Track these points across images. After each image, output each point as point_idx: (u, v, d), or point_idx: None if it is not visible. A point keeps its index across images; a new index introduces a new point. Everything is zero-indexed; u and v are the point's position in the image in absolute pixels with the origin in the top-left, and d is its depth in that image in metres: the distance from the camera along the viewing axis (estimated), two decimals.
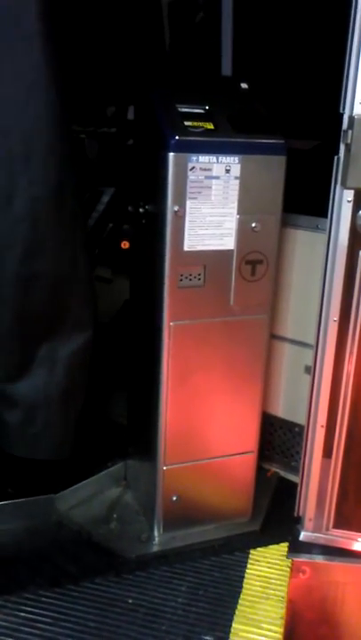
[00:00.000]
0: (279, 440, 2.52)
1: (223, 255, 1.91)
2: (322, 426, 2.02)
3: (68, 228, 1.97)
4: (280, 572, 2.06)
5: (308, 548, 2.12)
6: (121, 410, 2.47)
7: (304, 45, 2.45)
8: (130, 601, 1.92)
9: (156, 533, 2.16)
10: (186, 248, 1.87)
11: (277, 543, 2.17)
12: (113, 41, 2.35)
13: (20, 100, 1.79)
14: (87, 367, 2.15)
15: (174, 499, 2.12)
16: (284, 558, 2.11)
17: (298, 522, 2.16)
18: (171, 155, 1.77)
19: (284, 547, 2.16)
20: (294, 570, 2.06)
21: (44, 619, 1.84)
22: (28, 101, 1.79)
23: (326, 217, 1.87)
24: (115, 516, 2.28)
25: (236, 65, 2.39)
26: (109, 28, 2.33)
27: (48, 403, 2.10)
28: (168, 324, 1.92)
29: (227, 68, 2.41)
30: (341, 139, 1.76)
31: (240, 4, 2.35)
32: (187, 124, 1.81)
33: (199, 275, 1.91)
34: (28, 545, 2.13)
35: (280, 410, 2.47)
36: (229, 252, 1.91)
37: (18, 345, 2.04)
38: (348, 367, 1.95)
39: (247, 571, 2.07)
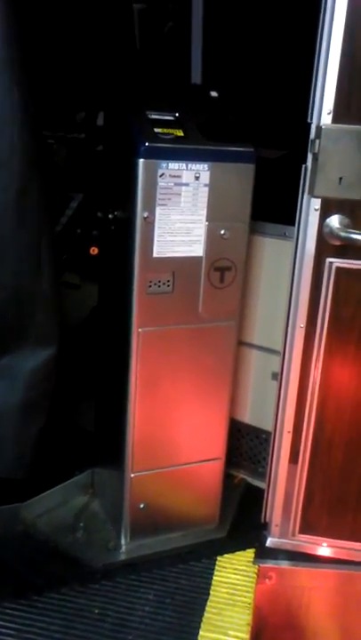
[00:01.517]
0: (247, 447, 2.53)
1: (192, 262, 1.92)
2: (288, 432, 2.04)
3: (31, 238, 1.92)
4: (246, 579, 2.06)
5: (275, 553, 2.13)
6: (88, 417, 2.45)
7: (273, 55, 2.49)
8: (96, 611, 1.89)
9: (123, 542, 2.15)
10: (155, 254, 1.87)
11: (244, 549, 2.18)
12: (83, 46, 2.35)
13: None
14: (51, 383, 2.10)
15: (142, 506, 2.10)
16: (251, 564, 2.11)
17: (265, 528, 2.17)
18: (141, 161, 1.77)
19: (250, 553, 2.16)
20: (260, 576, 2.07)
21: (7, 630, 1.80)
22: None
23: (294, 225, 1.89)
24: (81, 524, 2.25)
25: (205, 73, 2.42)
26: (80, 33, 2.33)
27: (4, 418, 2.04)
28: (136, 330, 1.92)
29: (196, 77, 2.43)
30: (309, 148, 1.79)
31: (210, 13, 2.37)
32: (157, 130, 1.81)
33: (168, 281, 1.91)
34: None
35: (247, 416, 2.48)
36: (198, 258, 1.92)
37: None
38: (315, 373, 1.97)
39: (214, 578, 2.07)
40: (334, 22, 1.68)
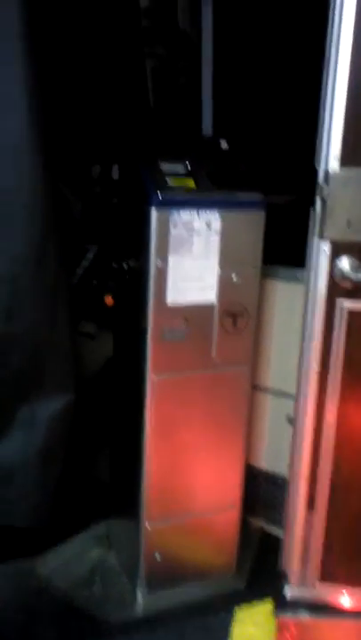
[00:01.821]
0: (263, 492, 2.49)
1: (205, 308, 1.94)
2: (304, 477, 2.01)
3: (48, 289, 1.97)
4: (266, 632, 2.00)
5: (294, 604, 2.07)
6: (103, 467, 2.43)
7: (280, 106, 2.57)
8: None
9: (139, 595, 2.10)
10: (168, 302, 1.89)
11: (262, 600, 2.12)
12: (98, 102, 2.45)
13: (5, 161, 1.83)
14: (68, 431, 2.11)
15: (158, 557, 2.07)
16: (270, 616, 2.05)
17: (283, 577, 2.12)
18: (154, 211, 1.82)
19: (269, 604, 2.10)
20: (280, 628, 2.00)
21: None
22: (13, 162, 1.83)
23: (305, 268, 1.92)
24: (97, 578, 2.21)
25: (215, 125, 2.50)
26: (95, 90, 2.43)
27: (25, 467, 2.05)
28: (151, 377, 1.93)
29: (207, 129, 2.51)
30: (317, 192, 1.83)
31: (219, 68, 2.48)
32: (169, 181, 1.87)
33: (182, 328, 1.93)
34: (6, 614, 2.06)
35: (263, 461, 2.45)
36: (211, 304, 1.95)
37: None
38: (330, 417, 1.96)
39: (233, 631, 2.01)
40: (338, 71, 1.74)
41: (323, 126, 1.79)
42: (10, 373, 1.98)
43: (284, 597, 2.09)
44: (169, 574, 2.11)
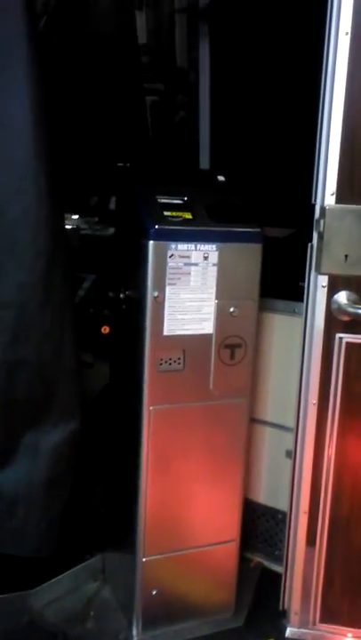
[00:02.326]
0: (262, 528, 2.46)
1: (202, 339, 1.93)
2: (305, 512, 1.98)
3: (55, 315, 1.97)
4: None
5: None
6: (99, 498, 2.40)
7: (277, 141, 2.60)
8: None
9: (135, 632, 2.06)
10: (165, 333, 1.89)
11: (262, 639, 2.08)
12: (97, 134, 2.47)
13: (11, 190, 1.85)
14: (74, 459, 2.09)
15: (154, 593, 2.03)
16: None
17: (283, 616, 2.07)
18: (151, 243, 1.82)
19: None
20: None
21: None
22: (19, 192, 1.85)
23: (302, 301, 1.92)
24: (92, 613, 2.17)
25: (213, 159, 2.52)
26: (94, 123, 2.46)
27: (30, 495, 2.03)
28: (148, 408, 1.91)
29: (204, 162, 2.53)
30: (314, 227, 1.84)
31: (217, 103, 2.51)
32: (166, 213, 1.88)
33: (179, 359, 1.92)
34: None
35: (262, 496, 2.42)
36: (208, 336, 1.94)
37: (1, 432, 1.99)
38: (329, 451, 1.94)
39: None
40: (333, 107, 1.77)
41: (318, 163, 1.81)
42: (16, 399, 1.98)
43: (284, 637, 2.04)
44: (166, 610, 2.07)
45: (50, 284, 1.94)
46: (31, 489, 2.02)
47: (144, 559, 2.00)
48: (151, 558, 2.01)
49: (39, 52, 1.81)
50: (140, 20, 2.72)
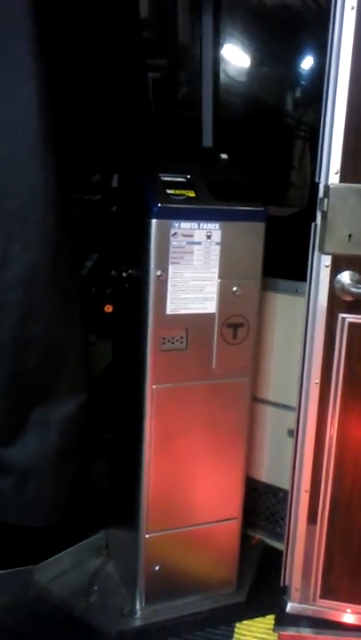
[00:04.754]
0: (264, 506, 2.48)
1: (205, 318, 1.93)
2: (306, 491, 2.00)
3: (63, 293, 1.99)
4: None
5: (296, 620, 2.05)
6: (102, 476, 2.42)
7: (281, 120, 2.57)
8: None
9: (137, 606, 2.09)
10: (168, 312, 1.89)
11: (264, 615, 2.11)
12: (99, 112, 2.45)
13: (18, 171, 1.85)
14: (82, 431, 2.13)
15: (157, 569, 2.06)
16: (271, 632, 2.03)
17: (284, 592, 2.10)
18: (153, 221, 1.82)
19: (270, 619, 2.09)
20: None
21: None
22: (26, 172, 1.85)
23: (305, 281, 1.91)
24: (95, 588, 2.20)
25: (216, 137, 2.49)
26: (96, 100, 2.43)
27: (41, 468, 2.07)
28: (150, 387, 1.92)
29: (207, 140, 2.50)
30: (318, 207, 1.82)
31: (220, 81, 2.47)
32: (169, 192, 1.86)
33: (181, 338, 1.92)
34: (5, 622, 2.05)
35: (264, 474, 2.44)
36: (211, 315, 1.94)
37: (12, 408, 2.02)
38: (331, 430, 1.94)
39: None
40: (338, 84, 1.74)
41: (323, 141, 1.78)
42: (25, 375, 2.01)
43: (285, 613, 2.07)
44: (168, 586, 2.10)
45: (58, 264, 1.95)
46: (42, 461, 2.06)
47: (147, 535, 2.02)
48: (154, 535, 2.03)
49: (42, 29, 1.79)
50: None
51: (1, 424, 2.03)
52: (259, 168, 2.12)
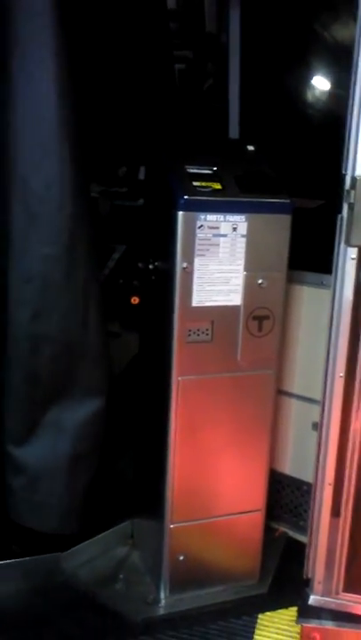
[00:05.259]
0: (287, 498, 2.48)
1: (230, 311, 1.94)
2: (330, 484, 1.99)
3: (79, 289, 1.97)
4: (289, 639, 1.99)
5: (318, 612, 2.04)
6: (128, 466, 2.45)
7: (309, 111, 2.54)
8: None
9: (162, 595, 2.11)
10: (194, 304, 1.89)
11: (286, 607, 2.11)
12: (126, 104, 2.45)
13: (34, 161, 1.84)
14: (100, 437, 2.10)
15: (181, 558, 2.07)
16: (293, 624, 2.04)
17: (307, 584, 2.10)
18: (180, 213, 1.82)
19: (293, 611, 2.09)
20: (304, 636, 1.98)
21: None
22: (42, 162, 1.84)
23: (331, 274, 1.89)
24: (121, 576, 2.23)
25: (243, 128, 2.48)
26: (123, 92, 2.44)
27: (52, 471, 2.05)
28: (176, 378, 1.93)
29: (234, 132, 2.49)
30: (344, 198, 1.80)
31: (247, 71, 2.45)
32: (195, 184, 1.87)
33: (207, 330, 1.93)
34: (33, 607, 2.09)
35: (288, 467, 2.44)
36: (237, 307, 1.94)
37: (25, 406, 2.01)
38: (356, 424, 1.93)
39: (255, 637, 2.00)
40: None
41: (350, 132, 1.76)
42: (39, 374, 1.99)
43: (307, 605, 2.07)
44: (192, 576, 2.11)
45: (74, 259, 1.93)
46: (54, 465, 2.05)
47: (172, 526, 2.04)
48: (178, 525, 2.05)
49: (66, 19, 1.79)
50: None
51: (15, 423, 2.03)
52: (286, 159, 2.09)
